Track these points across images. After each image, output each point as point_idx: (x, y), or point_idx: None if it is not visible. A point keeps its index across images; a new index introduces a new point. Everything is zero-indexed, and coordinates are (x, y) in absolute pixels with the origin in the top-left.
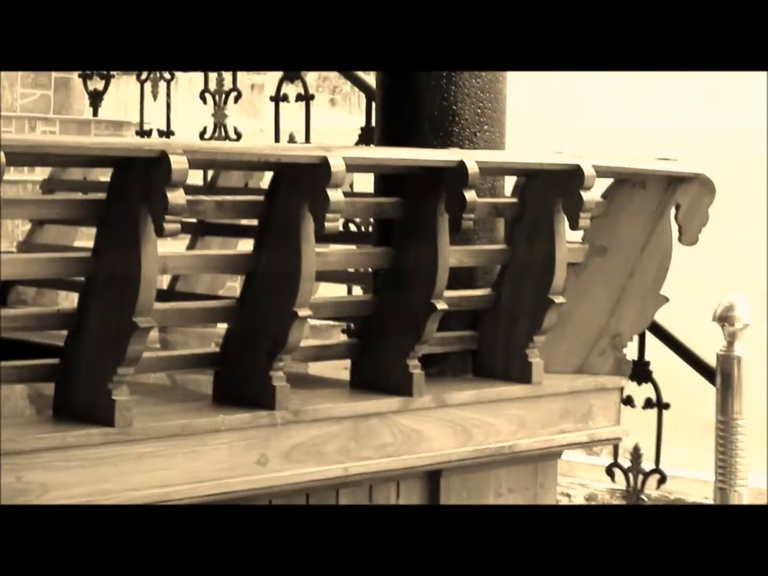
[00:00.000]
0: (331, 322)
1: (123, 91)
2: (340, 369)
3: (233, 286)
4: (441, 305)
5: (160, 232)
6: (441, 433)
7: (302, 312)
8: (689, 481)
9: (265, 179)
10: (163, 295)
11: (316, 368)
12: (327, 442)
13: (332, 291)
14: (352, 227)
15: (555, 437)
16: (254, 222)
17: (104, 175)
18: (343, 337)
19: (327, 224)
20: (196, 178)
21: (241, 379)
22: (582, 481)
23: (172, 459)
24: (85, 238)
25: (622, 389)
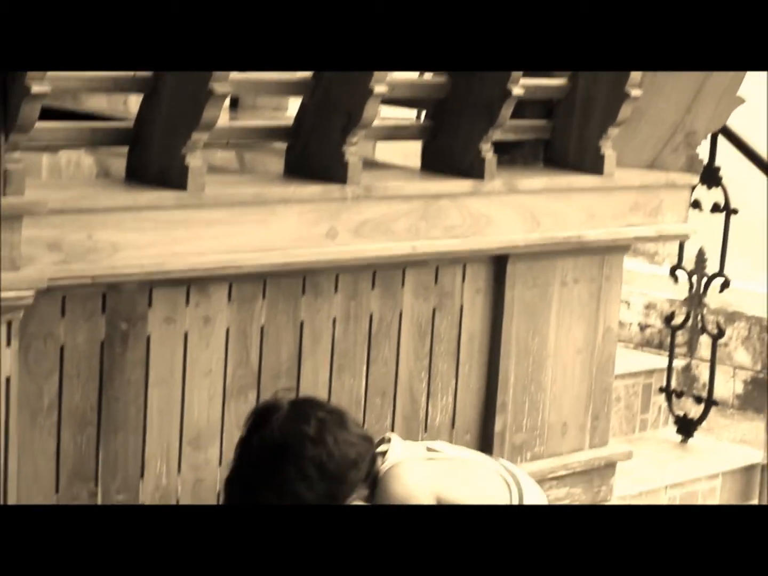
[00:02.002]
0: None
1: None
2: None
3: None
4: (516, 90)
5: None
6: (510, 219)
7: (378, 88)
8: (750, 294)
9: None
10: None
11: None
12: (396, 220)
13: None
14: None
15: (623, 230)
16: None
17: None
18: None
19: None
20: None
21: (314, 154)
22: (642, 290)
23: (242, 226)
24: None
25: (693, 187)
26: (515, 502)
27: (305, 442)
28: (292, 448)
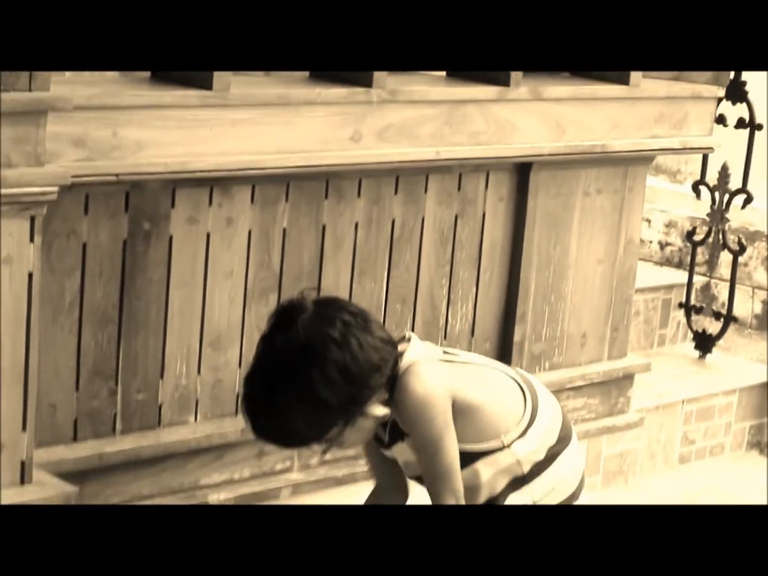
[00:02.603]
0: None
1: None
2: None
3: None
4: None
5: None
6: (535, 126)
7: None
8: None
9: None
10: None
11: None
12: (421, 125)
13: None
14: None
15: (648, 141)
16: None
17: None
18: None
19: None
20: None
21: None
22: (663, 208)
23: (267, 127)
24: None
25: (718, 100)
26: (528, 409)
27: (330, 346)
28: (316, 351)
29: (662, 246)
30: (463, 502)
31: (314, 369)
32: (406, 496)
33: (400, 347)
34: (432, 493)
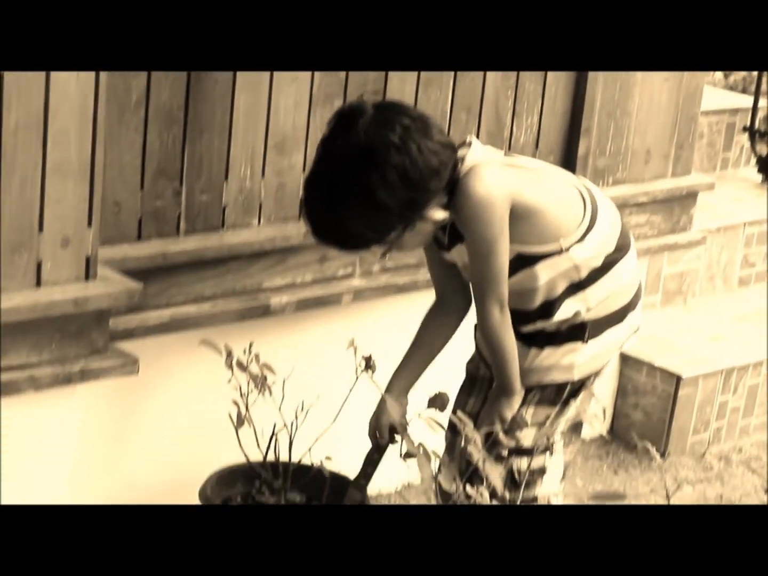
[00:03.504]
0: None
1: None
2: None
3: None
4: None
5: None
6: None
7: None
8: None
9: None
10: None
11: None
12: None
13: None
14: None
15: None
16: None
17: None
18: None
19: None
20: None
21: None
22: None
23: None
24: None
25: None
26: (588, 215)
27: (390, 149)
28: (376, 155)
29: (726, 74)
30: (507, 308)
31: (374, 172)
32: (467, 305)
33: (461, 151)
34: (477, 298)
